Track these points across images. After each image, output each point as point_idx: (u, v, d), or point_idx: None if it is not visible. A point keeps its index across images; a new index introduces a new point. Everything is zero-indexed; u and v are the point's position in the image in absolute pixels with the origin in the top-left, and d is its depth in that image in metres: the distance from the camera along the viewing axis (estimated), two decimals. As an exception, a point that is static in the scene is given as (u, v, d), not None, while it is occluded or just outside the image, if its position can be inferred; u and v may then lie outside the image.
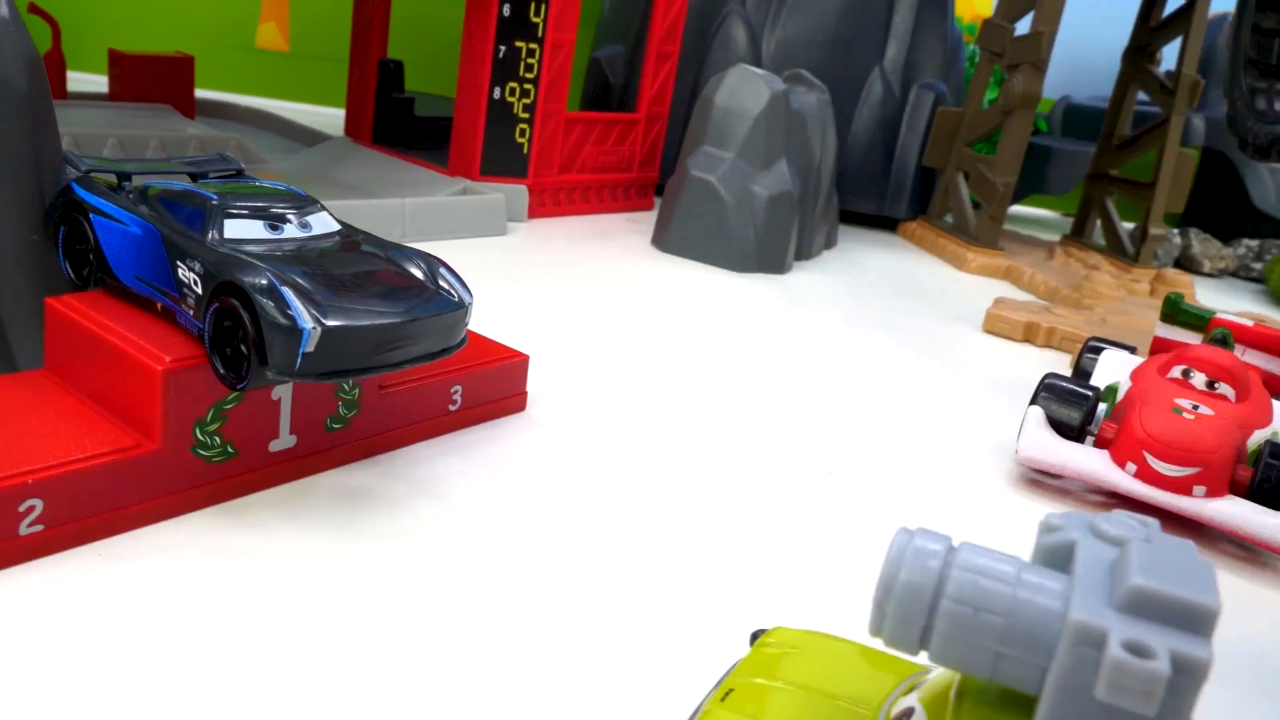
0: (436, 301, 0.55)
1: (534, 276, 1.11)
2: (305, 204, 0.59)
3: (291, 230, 0.57)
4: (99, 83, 1.68)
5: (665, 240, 1.31)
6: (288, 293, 0.49)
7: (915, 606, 0.34)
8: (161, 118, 1.36)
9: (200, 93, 1.63)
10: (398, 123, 1.49)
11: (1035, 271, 1.50)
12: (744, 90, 1.29)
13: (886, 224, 1.84)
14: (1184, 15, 1.60)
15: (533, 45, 1.27)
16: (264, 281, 0.49)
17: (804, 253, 1.40)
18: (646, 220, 1.49)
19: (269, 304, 0.48)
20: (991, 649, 0.33)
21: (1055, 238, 1.92)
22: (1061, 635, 0.32)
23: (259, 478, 0.56)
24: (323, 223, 0.59)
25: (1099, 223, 1.78)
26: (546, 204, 1.39)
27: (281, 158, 1.40)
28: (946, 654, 0.33)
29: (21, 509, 0.46)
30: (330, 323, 0.49)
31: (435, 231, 1.17)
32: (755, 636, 0.44)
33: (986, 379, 1.02)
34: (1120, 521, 0.37)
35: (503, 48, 1.25)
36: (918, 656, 0.35)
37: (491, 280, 1.05)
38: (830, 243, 1.55)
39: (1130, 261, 1.63)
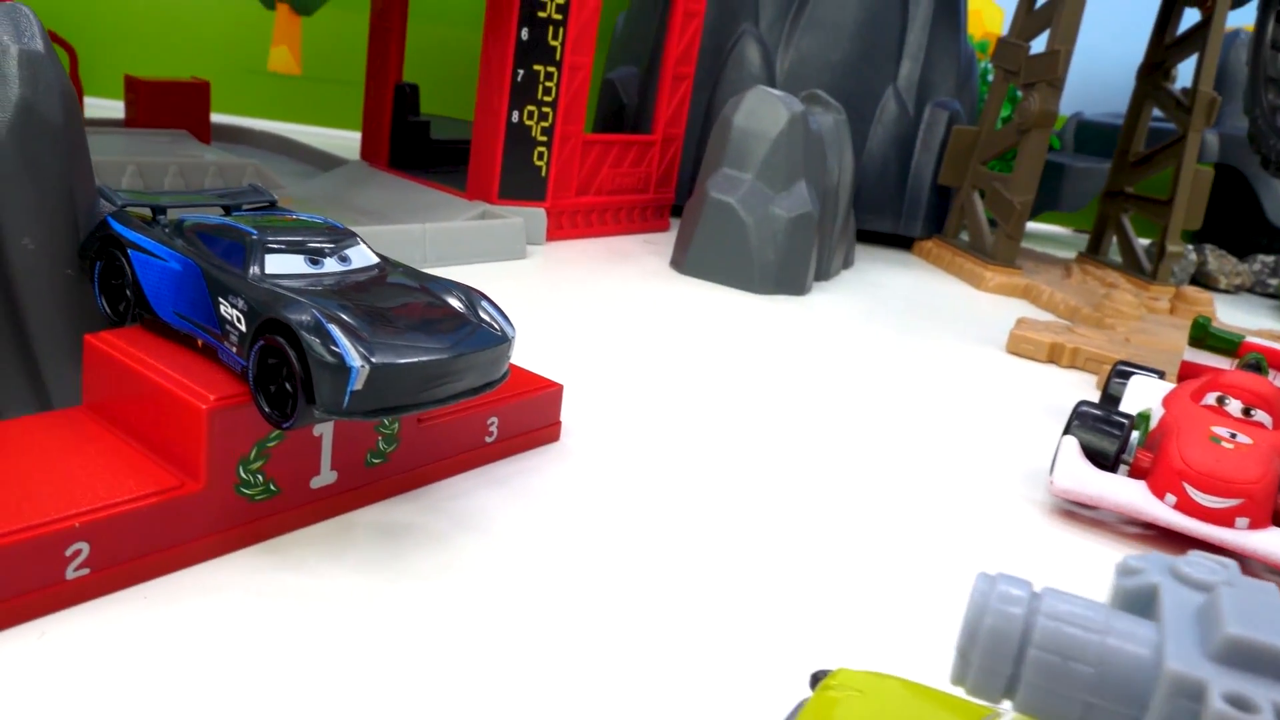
0: (480, 335, 0.55)
1: (556, 301, 1.10)
2: (343, 237, 0.59)
3: (331, 264, 0.56)
4: (113, 108, 1.68)
5: (685, 262, 1.30)
6: (334, 330, 0.48)
7: (1001, 655, 0.33)
8: (178, 144, 1.36)
9: (213, 117, 1.63)
10: (414, 146, 1.49)
11: (1054, 290, 1.50)
12: (762, 111, 1.29)
13: (902, 243, 1.83)
14: (1199, 32, 1.60)
15: (551, 68, 1.26)
16: (310, 319, 0.48)
17: (822, 273, 1.40)
18: (663, 241, 1.49)
19: (316, 341, 0.47)
20: (1081, 699, 0.32)
21: (1069, 254, 1.92)
22: (1156, 686, 0.31)
23: (300, 515, 0.56)
24: (361, 256, 0.59)
25: (1115, 240, 1.78)
26: (564, 226, 1.38)
27: (298, 182, 1.40)
28: (1034, 704, 0.33)
29: (68, 553, 0.46)
30: (378, 360, 0.48)
31: (456, 256, 1.16)
32: (816, 679, 0.43)
33: (1013, 402, 1.01)
34: (1200, 564, 0.36)
35: (521, 71, 1.25)
36: (1000, 705, 0.35)
37: (514, 305, 1.04)
38: (848, 263, 1.54)
39: (1148, 279, 1.62)
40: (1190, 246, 1.93)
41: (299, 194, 1.32)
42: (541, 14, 1.23)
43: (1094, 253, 1.79)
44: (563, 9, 1.25)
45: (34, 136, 0.60)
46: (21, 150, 0.60)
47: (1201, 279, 1.93)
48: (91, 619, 0.46)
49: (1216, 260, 1.92)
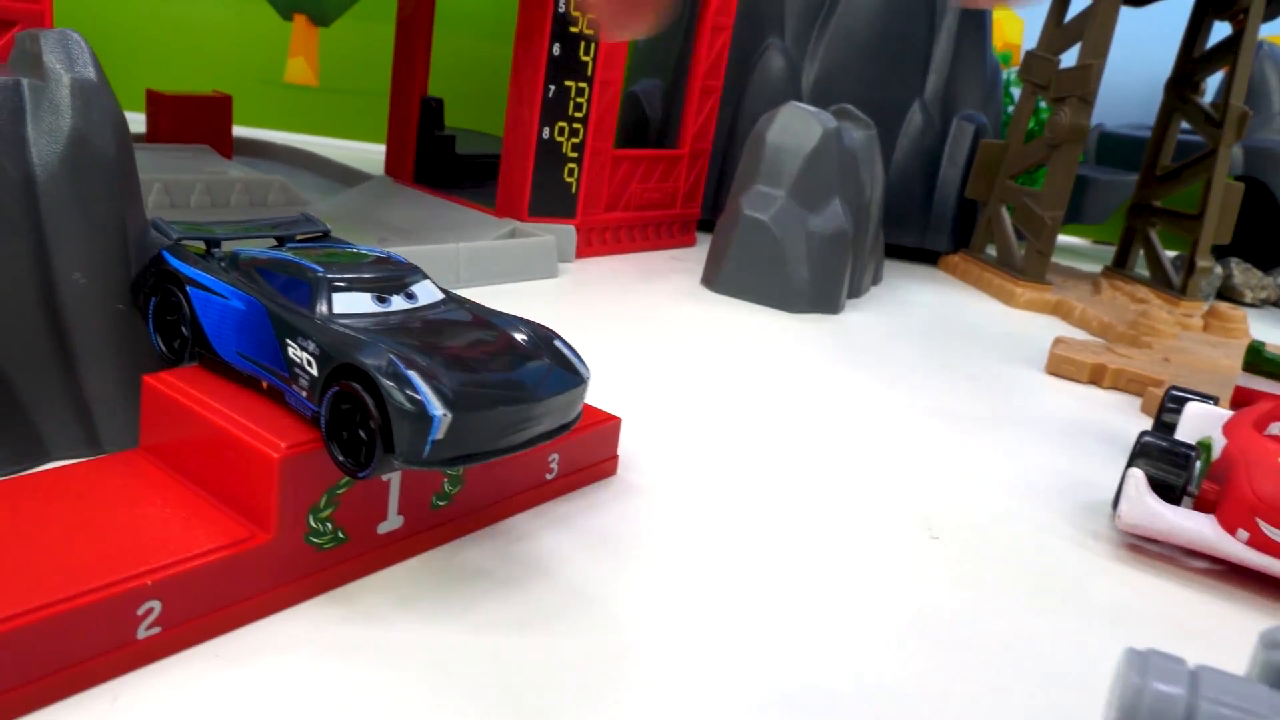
0: (556, 377, 0.53)
1: (593, 322, 1.08)
2: (408, 273, 0.57)
3: (398, 302, 0.54)
4: (132, 121, 1.66)
5: (717, 281, 1.28)
6: (414, 377, 0.46)
7: None
8: (201, 159, 1.34)
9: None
10: (439, 161, 1.47)
11: (1086, 307, 1.48)
12: (796, 127, 1.27)
13: (925, 257, 1.81)
14: (1229, 46, 1.58)
15: (582, 84, 1.25)
16: (388, 364, 0.46)
17: (854, 291, 1.38)
18: (689, 257, 1.47)
19: (395, 389, 0.45)
20: (1251, 792, 0.30)
21: (1092, 267, 1.90)
22: (1337, 782, 0.29)
23: (367, 562, 0.54)
24: (427, 292, 0.57)
25: (1141, 254, 1.76)
26: (593, 243, 1.36)
27: (323, 198, 1.38)
28: (1201, 797, 0.31)
29: (140, 612, 0.44)
30: (460, 408, 0.46)
31: (489, 275, 1.14)
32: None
33: (1060, 426, 0.99)
34: (1354, 639, 0.34)
35: (552, 87, 1.23)
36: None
37: (553, 328, 1.03)
38: (877, 279, 1.53)
39: (1177, 294, 1.61)
40: (1215, 261, 1.92)
41: (325, 210, 1.30)
42: (573, 29, 1.22)
43: (1120, 267, 1.78)
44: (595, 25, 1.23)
45: (86, 168, 0.58)
46: (73, 182, 0.58)
47: (1227, 293, 1.91)
48: (164, 680, 0.44)
49: (1242, 274, 1.90)
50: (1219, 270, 1.89)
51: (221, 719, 0.42)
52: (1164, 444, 0.77)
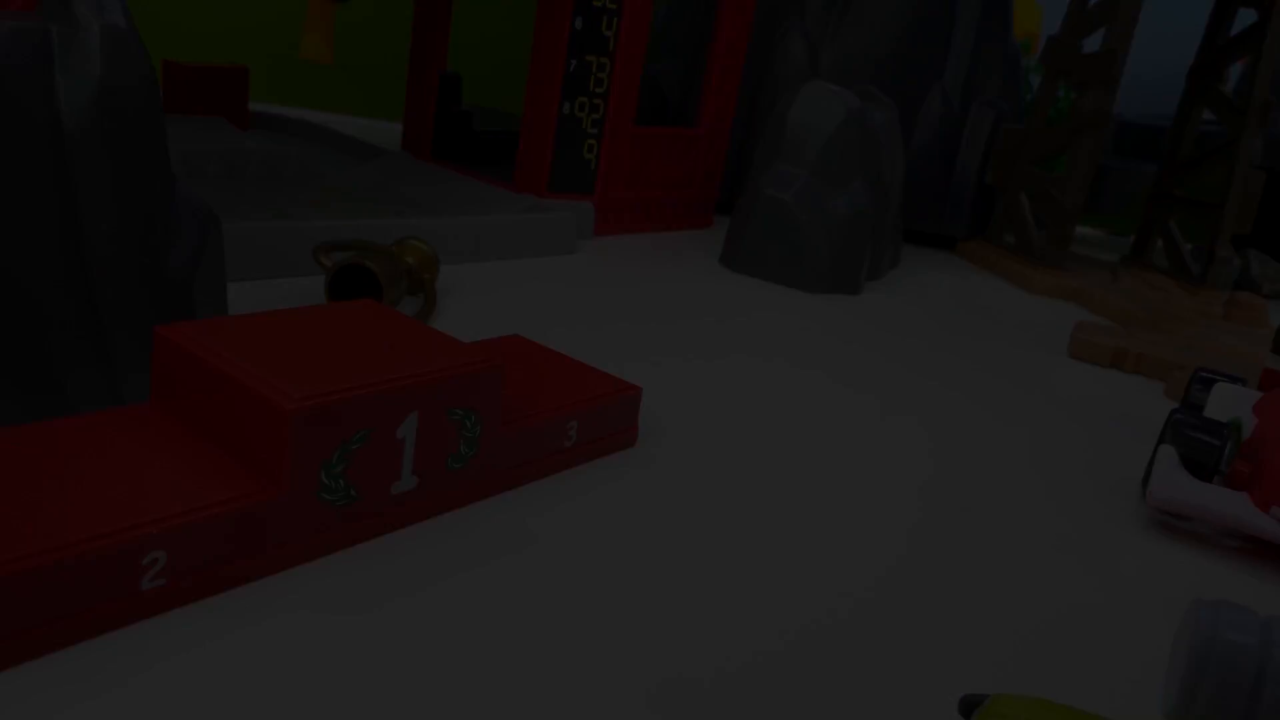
0: None
1: (611, 297, 1.07)
2: None
3: None
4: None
5: (736, 259, 1.27)
6: None
7: (1236, 692, 0.30)
8: (217, 131, 1.32)
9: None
10: (456, 137, 1.46)
11: (1106, 293, 1.46)
12: (819, 106, 1.25)
13: (942, 242, 1.80)
14: (1253, 34, 1.56)
15: (603, 59, 1.23)
16: None
17: (873, 273, 1.36)
18: (707, 238, 1.45)
19: None
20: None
21: (1108, 257, 1.88)
22: None
23: (379, 522, 0.52)
24: None
25: (1160, 243, 1.74)
26: (611, 222, 1.35)
27: (339, 172, 1.36)
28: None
29: (145, 562, 0.42)
30: None
31: (506, 250, 1.13)
32: (970, 706, 0.40)
33: (1083, 407, 0.97)
34: None
35: (574, 62, 1.22)
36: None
37: (571, 303, 1.01)
38: (894, 262, 1.51)
39: (1196, 283, 1.59)
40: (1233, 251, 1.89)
41: (341, 184, 1.28)
42: (596, 3, 1.20)
43: (1138, 256, 1.76)
44: (616, -2, 1.21)
45: (115, 117, 0.57)
46: (102, 131, 0.56)
47: (1244, 284, 1.88)
48: (167, 635, 0.43)
49: (1260, 265, 1.88)
50: (1236, 261, 1.87)
51: (225, 676, 0.41)
52: (1196, 421, 0.75)
